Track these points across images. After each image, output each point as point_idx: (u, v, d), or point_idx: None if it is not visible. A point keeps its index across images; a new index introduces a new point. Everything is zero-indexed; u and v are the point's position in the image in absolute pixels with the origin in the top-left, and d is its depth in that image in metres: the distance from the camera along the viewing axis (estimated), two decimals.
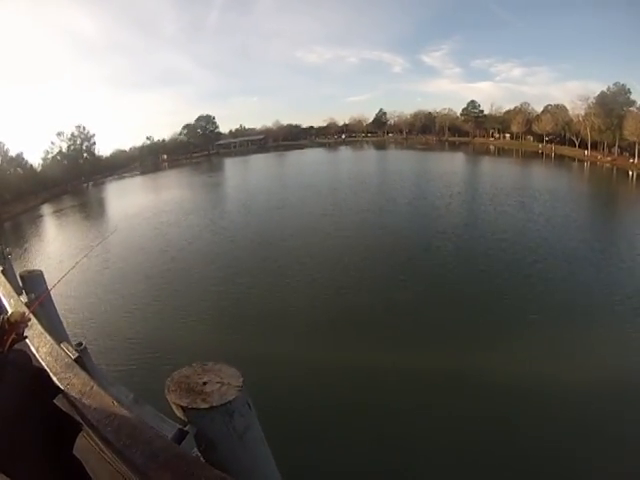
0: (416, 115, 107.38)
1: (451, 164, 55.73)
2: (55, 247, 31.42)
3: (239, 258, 19.72)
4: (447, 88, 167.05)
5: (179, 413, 1.43)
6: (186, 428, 1.42)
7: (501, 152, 75.22)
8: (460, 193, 31.98)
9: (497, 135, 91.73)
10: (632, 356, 10.91)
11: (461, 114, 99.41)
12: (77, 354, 2.95)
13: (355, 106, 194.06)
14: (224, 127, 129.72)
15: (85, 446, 2.16)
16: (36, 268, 5.37)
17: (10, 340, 1.90)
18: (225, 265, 18.57)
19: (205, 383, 1.45)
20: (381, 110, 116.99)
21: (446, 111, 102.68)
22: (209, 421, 1.39)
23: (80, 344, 3.70)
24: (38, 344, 2.13)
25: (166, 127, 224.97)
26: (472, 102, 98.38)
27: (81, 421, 2.05)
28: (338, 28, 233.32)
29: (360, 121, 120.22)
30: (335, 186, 37.90)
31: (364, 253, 18.16)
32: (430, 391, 9.65)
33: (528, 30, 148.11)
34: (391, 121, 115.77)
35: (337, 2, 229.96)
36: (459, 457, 8.04)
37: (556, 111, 76.04)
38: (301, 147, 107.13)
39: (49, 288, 4.95)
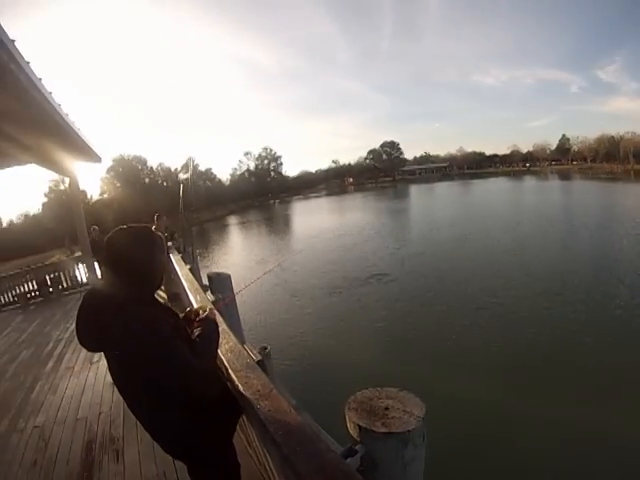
0: (599, 140, 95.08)
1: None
2: (237, 254, 33.20)
3: (418, 289, 19.27)
4: (626, 107, 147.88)
5: (353, 432, 1.45)
6: (356, 447, 1.43)
7: None
8: None
9: None
10: None
11: None
12: (260, 357, 3.13)
13: (536, 131, 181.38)
14: (408, 153, 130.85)
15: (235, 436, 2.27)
16: (224, 271, 5.84)
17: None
18: (405, 296, 18.31)
19: (387, 408, 1.46)
20: (564, 136, 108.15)
21: (629, 135, 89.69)
22: (382, 445, 1.40)
23: (265, 348, 3.90)
24: (221, 340, 2.25)
25: (349, 151, 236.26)
26: None
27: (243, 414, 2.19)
28: (509, 48, 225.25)
29: (543, 148, 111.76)
30: (519, 219, 35.22)
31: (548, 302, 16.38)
32: None
33: None
34: (574, 147, 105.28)
35: (503, 21, 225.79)
36: None
37: None
38: (486, 176, 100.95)
39: (234, 291, 5.40)
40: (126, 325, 1.71)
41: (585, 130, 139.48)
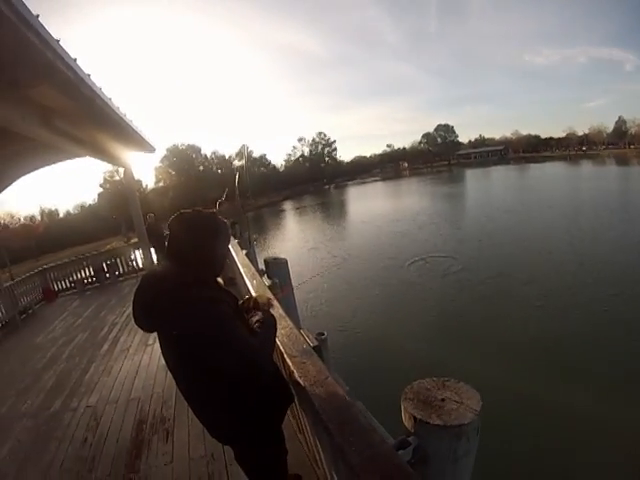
0: None
1: None
2: (292, 240, 33.42)
3: (476, 278, 18.87)
4: None
5: (408, 423, 1.42)
6: (410, 439, 1.40)
7: None
8: None
9: None
10: None
11: None
12: (317, 342, 3.14)
13: (592, 112, 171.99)
14: (462, 136, 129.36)
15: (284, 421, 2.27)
16: (281, 256, 5.90)
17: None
18: (462, 285, 17.99)
19: (443, 400, 1.42)
20: (620, 118, 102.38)
21: None
22: (436, 438, 1.36)
23: (322, 334, 3.89)
24: (278, 325, 2.24)
25: (401, 135, 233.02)
26: None
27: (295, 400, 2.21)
28: (559, 27, 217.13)
29: (600, 131, 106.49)
30: (578, 208, 33.51)
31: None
32: None
33: None
34: (632, 130, 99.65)
35: None
36: None
37: None
38: (542, 160, 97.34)
39: (290, 276, 5.43)
40: (189, 305, 1.73)
41: None
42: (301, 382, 1.80)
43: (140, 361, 6.06)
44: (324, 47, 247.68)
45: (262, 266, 5.74)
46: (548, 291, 15.85)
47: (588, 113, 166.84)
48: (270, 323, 2.11)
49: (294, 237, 34.48)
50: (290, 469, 2.52)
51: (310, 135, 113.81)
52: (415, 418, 1.36)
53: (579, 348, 11.60)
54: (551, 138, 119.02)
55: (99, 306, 10.37)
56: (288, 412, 2.57)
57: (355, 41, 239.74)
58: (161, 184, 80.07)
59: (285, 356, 2.09)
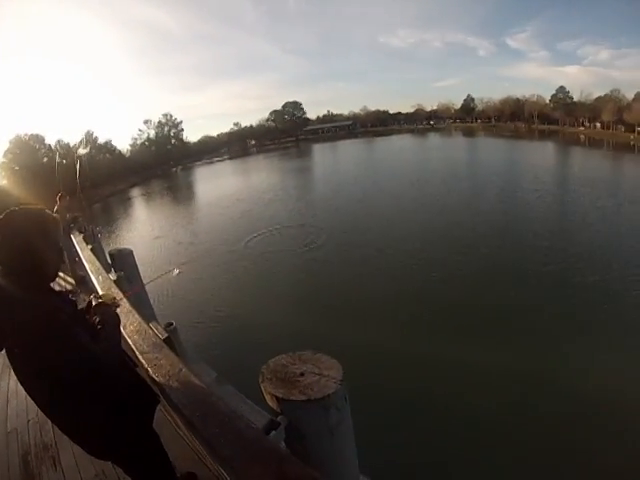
0: (504, 101, 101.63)
1: (542, 155, 51.68)
2: (141, 228, 32.48)
3: (317, 244, 19.79)
4: (534, 72, 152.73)
5: (272, 403, 1.37)
6: (278, 419, 1.35)
7: (592, 143, 67.13)
8: (559, 196, 28.50)
9: (587, 124, 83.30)
10: None
11: (550, 101, 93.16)
12: (167, 334, 2.98)
13: (442, 91, 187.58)
14: (311, 113, 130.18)
15: (160, 419, 2.18)
16: (126, 247, 5.56)
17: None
18: (308, 255, 18.67)
19: (302, 374, 1.38)
20: (469, 96, 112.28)
21: (535, 98, 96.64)
22: (304, 414, 1.32)
23: (170, 324, 3.75)
24: (125, 322, 2.13)
25: (253, 113, 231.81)
26: (561, 88, 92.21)
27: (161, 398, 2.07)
28: (420, 11, 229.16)
29: (448, 107, 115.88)
30: (425, 177, 36.59)
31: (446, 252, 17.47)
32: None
33: (613, 7, 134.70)
34: (479, 107, 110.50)
35: None
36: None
37: None
38: (389, 133, 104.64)
39: (137, 266, 5.14)
40: (17, 317, 1.56)
41: (492, 92, 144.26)
42: (157, 379, 1.69)
43: (8, 387, 5.37)
44: (178, 23, 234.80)
45: (109, 260, 5.38)
46: (394, 254, 17.63)
47: (439, 91, 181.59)
48: (113, 323, 1.96)
49: (140, 226, 33.66)
50: (181, 468, 2.48)
51: (157, 117, 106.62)
52: (277, 398, 1.31)
53: (416, 303, 13.19)
54: (399, 113, 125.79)
55: None
56: (163, 410, 2.42)
57: (212, 19, 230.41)
58: (5, 182, 71.60)
59: (137, 353, 1.95)
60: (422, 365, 9.70)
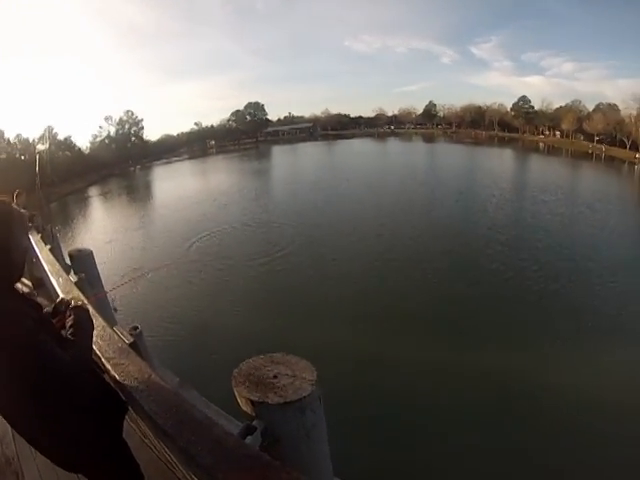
0: (466, 108, 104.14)
1: (500, 161, 53.80)
2: (100, 227, 32.04)
3: (271, 242, 20.55)
4: (497, 81, 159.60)
5: (246, 407, 1.35)
6: (254, 423, 1.33)
7: (550, 150, 70.65)
8: (512, 200, 29.41)
9: (547, 132, 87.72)
10: None
11: (511, 109, 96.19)
12: (132, 339, 2.89)
13: (404, 97, 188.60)
14: (273, 114, 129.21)
15: (125, 428, 2.11)
16: (85, 247, 5.43)
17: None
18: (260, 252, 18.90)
19: (275, 376, 1.37)
20: (431, 102, 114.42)
21: (496, 106, 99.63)
22: (280, 417, 1.31)
23: (136, 328, 3.66)
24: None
25: (216, 113, 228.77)
26: (523, 97, 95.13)
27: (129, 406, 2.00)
28: (386, 18, 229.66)
29: (409, 112, 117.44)
30: (385, 179, 37.48)
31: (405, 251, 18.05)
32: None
33: (578, 21, 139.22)
34: (441, 113, 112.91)
35: None
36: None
37: (607, 110, 72.35)
38: (350, 137, 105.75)
39: (97, 267, 5.00)
40: None
41: (454, 99, 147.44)
42: (126, 385, 1.63)
43: None
44: (145, 18, 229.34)
45: (69, 261, 5.21)
46: (355, 254, 18.56)
47: (401, 97, 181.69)
48: (88, 328, 1.87)
49: (95, 229, 33.00)
50: (150, 479, 2.35)
51: (118, 114, 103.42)
52: (252, 401, 1.30)
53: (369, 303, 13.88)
54: (360, 117, 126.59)
55: None
56: (128, 419, 2.34)
57: (179, 15, 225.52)
58: None
59: (103, 360, 1.87)
60: (378, 364, 9.99)
